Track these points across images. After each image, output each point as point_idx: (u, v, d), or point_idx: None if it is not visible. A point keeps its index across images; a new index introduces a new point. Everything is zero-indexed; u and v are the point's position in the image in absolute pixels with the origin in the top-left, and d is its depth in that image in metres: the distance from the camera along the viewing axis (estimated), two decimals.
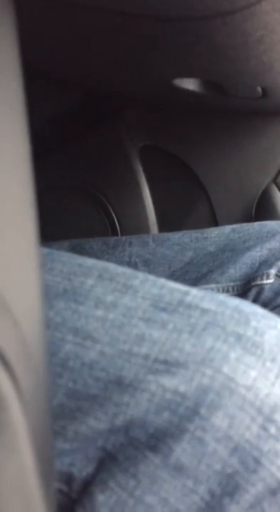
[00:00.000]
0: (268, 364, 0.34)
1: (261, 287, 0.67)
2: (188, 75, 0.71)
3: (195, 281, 0.69)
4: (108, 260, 0.73)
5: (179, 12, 0.48)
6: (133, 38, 0.57)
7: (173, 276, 0.71)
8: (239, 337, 0.35)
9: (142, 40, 0.57)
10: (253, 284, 0.67)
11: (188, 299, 0.37)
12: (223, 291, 0.69)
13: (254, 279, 0.67)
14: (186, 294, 0.37)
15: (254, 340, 0.35)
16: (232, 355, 0.34)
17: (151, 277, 0.38)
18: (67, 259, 0.40)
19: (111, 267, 0.40)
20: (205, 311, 0.36)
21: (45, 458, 0.27)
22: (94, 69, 0.75)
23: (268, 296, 0.67)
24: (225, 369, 0.34)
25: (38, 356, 0.27)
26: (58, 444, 0.34)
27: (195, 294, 0.37)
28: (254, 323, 0.35)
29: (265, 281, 0.67)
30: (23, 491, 0.25)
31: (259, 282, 0.67)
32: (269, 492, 0.33)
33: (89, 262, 0.40)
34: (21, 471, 0.25)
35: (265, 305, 0.68)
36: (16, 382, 0.24)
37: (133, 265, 0.73)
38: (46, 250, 0.41)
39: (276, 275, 0.67)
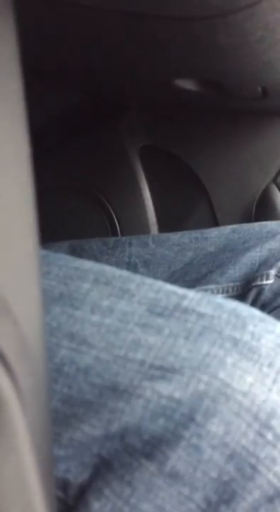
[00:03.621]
0: (265, 369, 0.34)
1: (261, 288, 0.67)
2: (188, 75, 0.71)
3: (194, 282, 0.69)
4: (108, 261, 0.73)
5: (179, 12, 0.48)
6: (133, 37, 0.57)
7: (173, 276, 0.71)
8: (235, 342, 0.34)
9: (142, 39, 0.57)
10: (253, 284, 0.67)
11: (185, 302, 0.36)
12: (223, 291, 0.68)
13: (254, 279, 0.67)
14: (183, 297, 0.37)
15: (251, 345, 0.34)
16: (229, 360, 0.34)
17: (148, 280, 0.38)
18: (63, 263, 0.40)
19: (108, 269, 0.39)
20: (201, 316, 0.35)
21: (45, 458, 0.27)
22: (94, 69, 0.75)
23: (268, 296, 0.67)
24: (221, 375, 0.33)
25: (38, 357, 0.27)
26: (54, 450, 0.34)
27: (192, 297, 0.37)
28: (251, 328, 0.35)
29: (265, 282, 0.67)
30: (23, 491, 0.25)
31: (258, 283, 0.67)
32: (266, 499, 0.33)
33: (86, 264, 0.40)
34: (21, 471, 0.25)
35: (265, 306, 0.68)
36: (16, 382, 0.24)
37: (133, 266, 0.73)
38: (43, 252, 0.41)
39: (276, 276, 0.67)
